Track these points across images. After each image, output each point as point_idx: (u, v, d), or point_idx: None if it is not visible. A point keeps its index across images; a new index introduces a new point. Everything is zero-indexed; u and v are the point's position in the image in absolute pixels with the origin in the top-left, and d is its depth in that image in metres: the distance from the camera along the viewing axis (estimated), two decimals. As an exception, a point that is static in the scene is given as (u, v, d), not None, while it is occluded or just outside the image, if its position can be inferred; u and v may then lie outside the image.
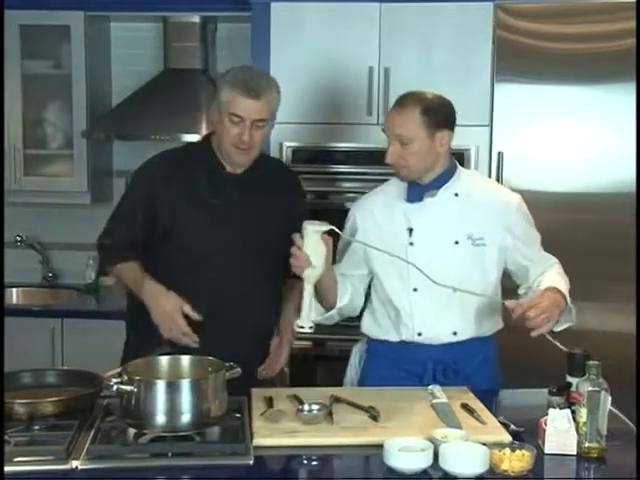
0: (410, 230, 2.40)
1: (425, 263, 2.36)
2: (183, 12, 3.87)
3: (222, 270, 2.43)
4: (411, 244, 2.39)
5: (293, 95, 3.44)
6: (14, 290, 4.18)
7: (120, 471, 1.81)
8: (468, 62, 3.37)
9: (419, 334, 2.40)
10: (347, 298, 2.42)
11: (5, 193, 3.92)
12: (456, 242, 2.38)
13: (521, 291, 2.47)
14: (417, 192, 2.39)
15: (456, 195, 2.41)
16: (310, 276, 2.21)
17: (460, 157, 3.38)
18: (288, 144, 3.48)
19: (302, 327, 2.20)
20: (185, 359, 2.11)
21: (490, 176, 3.39)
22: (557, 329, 2.33)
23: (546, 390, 2.11)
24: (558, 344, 2.23)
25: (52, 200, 4.02)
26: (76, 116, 3.92)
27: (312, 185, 3.50)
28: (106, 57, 4.13)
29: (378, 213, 2.45)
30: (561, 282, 2.36)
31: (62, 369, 2.31)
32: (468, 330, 2.41)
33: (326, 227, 2.21)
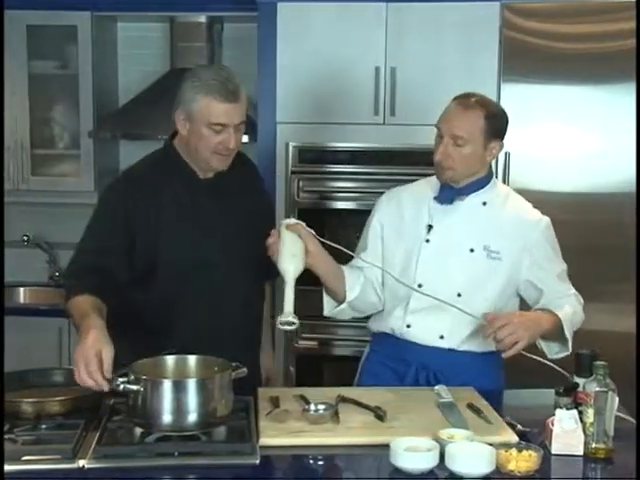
0: (429, 227, 2.39)
1: (435, 262, 2.36)
2: (190, 12, 3.89)
3: (208, 278, 2.34)
4: (427, 241, 2.39)
5: (299, 95, 3.45)
6: (21, 289, 4.20)
7: (126, 470, 1.81)
8: (474, 62, 3.37)
9: (408, 326, 2.39)
10: (358, 290, 2.40)
11: (13, 192, 3.93)
12: (471, 250, 2.36)
13: None
14: (449, 195, 2.38)
15: (484, 204, 2.39)
16: (288, 271, 2.17)
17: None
18: (294, 144, 3.49)
19: (287, 323, 2.11)
20: (191, 359, 2.11)
21: (497, 176, 3.38)
22: (552, 356, 2.32)
23: (553, 390, 2.11)
24: (536, 357, 2.22)
25: (59, 200, 4.04)
26: (83, 116, 3.94)
27: (318, 185, 3.51)
28: (113, 57, 4.15)
29: (405, 204, 2.46)
30: (567, 311, 2.29)
31: (69, 368, 2.31)
32: (456, 339, 2.37)
33: (295, 222, 2.22)
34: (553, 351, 2.33)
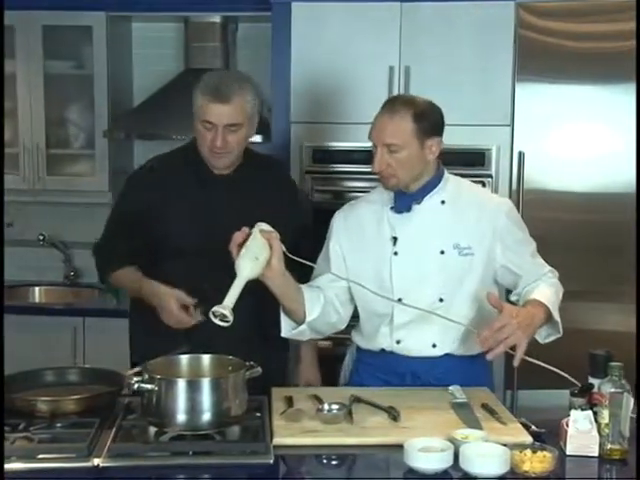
0: (394, 239, 2.33)
1: (410, 273, 2.31)
2: (204, 12, 3.89)
3: (213, 272, 2.36)
4: (395, 254, 2.32)
5: (313, 95, 3.45)
6: (36, 289, 4.22)
7: (141, 469, 1.82)
8: (489, 61, 3.36)
9: (397, 342, 2.35)
10: (318, 311, 2.31)
11: (28, 192, 3.96)
12: (442, 252, 2.31)
13: (513, 298, 2.40)
14: (405, 202, 2.32)
15: (442, 203, 2.34)
16: (244, 269, 2.10)
17: (481, 157, 3.37)
18: (308, 144, 3.49)
19: (221, 315, 2.02)
20: (205, 358, 2.12)
21: (511, 176, 3.38)
22: (543, 341, 2.29)
23: (567, 391, 2.10)
24: (541, 363, 2.17)
25: (74, 199, 4.05)
26: (98, 116, 3.95)
27: (332, 185, 3.51)
28: (127, 57, 4.16)
29: (364, 219, 2.39)
30: (549, 294, 2.26)
31: (84, 367, 2.33)
32: (448, 344, 2.34)
33: (271, 230, 2.17)
34: (543, 336, 2.28)
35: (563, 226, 3.35)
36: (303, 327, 2.32)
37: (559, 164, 3.38)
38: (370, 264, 2.35)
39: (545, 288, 2.30)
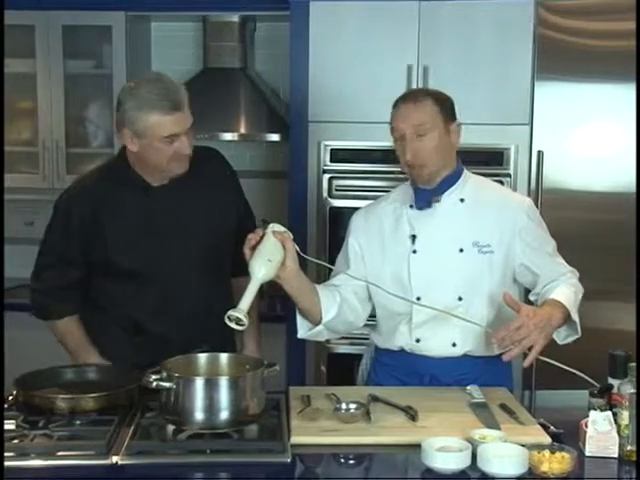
0: (413, 237, 2.33)
1: (428, 271, 2.31)
2: (222, 12, 3.91)
3: (169, 287, 2.37)
4: (414, 252, 2.32)
5: (331, 94, 3.45)
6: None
7: (159, 467, 1.83)
8: (508, 60, 3.35)
9: (417, 340, 2.34)
10: (334, 311, 2.29)
11: (48, 191, 3.98)
12: (461, 250, 2.30)
13: (532, 297, 2.39)
14: (425, 198, 2.32)
15: (462, 201, 2.33)
16: (258, 272, 2.08)
17: (500, 156, 3.36)
18: (326, 142, 3.49)
19: (237, 319, 2.02)
20: (223, 357, 2.12)
21: (530, 175, 3.36)
22: (562, 342, 2.27)
23: (587, 391, 2.09)
24: (555, 362, 2.16)
25: (93, 198, 4.07)
26: (117, 115, 3.97)
27: (350, 184, 3.51)
28: (146, 57, 4.18)
29: (384, 218, 2.39)
30: (568, 294, 2.24)
31: (102, 365, 2.34)
32: (468, 343, 2.32)
33: (284, 230, 2.15)
34: (561, 336, 2.27)
35: (582, 225, 3.33)
36: (320, 328, 2.32)
37: (578, 163, 3.37)
38: (389, 263, 2.35)
39: (564, 288, 2.28)
